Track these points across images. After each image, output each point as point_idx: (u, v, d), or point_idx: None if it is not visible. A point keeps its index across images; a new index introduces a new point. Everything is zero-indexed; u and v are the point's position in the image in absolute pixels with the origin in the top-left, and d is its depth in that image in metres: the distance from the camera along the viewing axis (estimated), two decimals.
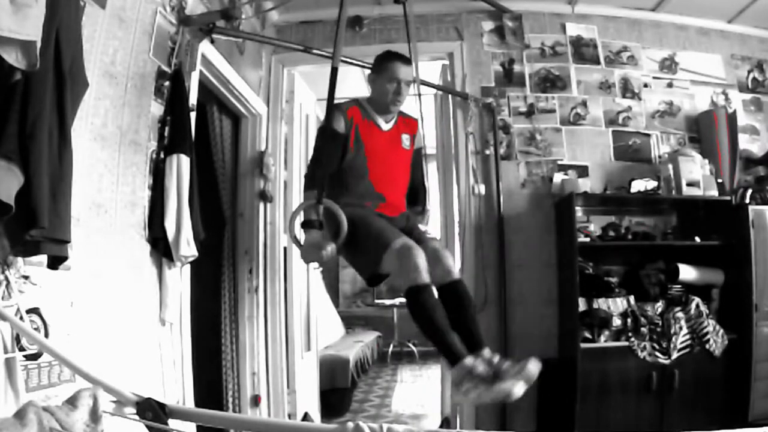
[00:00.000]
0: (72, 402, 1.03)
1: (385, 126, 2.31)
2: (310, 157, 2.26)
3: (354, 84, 4.64)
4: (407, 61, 2.24)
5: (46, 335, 1.43)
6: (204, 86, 2.69)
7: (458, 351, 1.73)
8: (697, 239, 3.10)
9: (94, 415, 1.03)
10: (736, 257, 3.02)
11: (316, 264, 2.29)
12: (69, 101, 1.34)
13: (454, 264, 2.04)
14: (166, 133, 2.10)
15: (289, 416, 3.22)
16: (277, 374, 3.23)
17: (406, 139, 2.36)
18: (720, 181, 3.21)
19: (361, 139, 2.22)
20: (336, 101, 2.08)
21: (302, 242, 2.06)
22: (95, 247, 1.70)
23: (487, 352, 1.75)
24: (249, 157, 3.28)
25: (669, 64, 3.60)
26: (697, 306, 3.02)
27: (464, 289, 1.98)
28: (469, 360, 1.69)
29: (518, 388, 1.55)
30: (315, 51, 2.99)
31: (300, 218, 2.08)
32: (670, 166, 3.18)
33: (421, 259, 1.85)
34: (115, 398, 1.12)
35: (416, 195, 2.46)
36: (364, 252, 2.01)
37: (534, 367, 1.60)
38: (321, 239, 1.99)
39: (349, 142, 2.20)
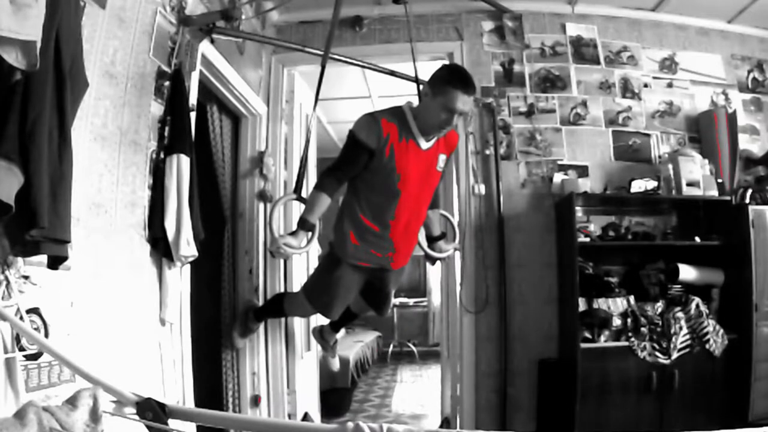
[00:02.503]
0: (72, 402, 1.03)
1: (425, 145, 2.17)
2: (335, 160, 2.21)
3: (354, 84, 4.66)
4: (471, 89, 2.02)
5: (46, 335, 1.43)
6: (204, 86, 2.69)
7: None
8: (697, 239, 3.10)
9: (94, 415, 1.03)
10: (736, 257, 3.02)
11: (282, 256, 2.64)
12: (69, 101, 1.34)
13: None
14: (166, 133, 2.10)
15: (289, 416, 3.22)
16: (277, 374, 3.23)
17: (441, 160, 2.25)
18: (720, 181, 3.21)
19: (395, 164, 2.11)
20: (374, 111, 2.21)
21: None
22: (95, 247, 1.70)
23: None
24: (249, 157, 3.28)
25: (669, 64, 3.60)
26: (697, 306, 3.02)
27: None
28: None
29: None
30: (314, 51, 2.98)
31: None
32: (670, 166, 3.18)
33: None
34: (115, 398, 1.12)
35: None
36: (316, 281, 2.51)
37: None
38: (290, 237, 2.16)
39: (375, 156, 2.10)
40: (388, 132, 2.08)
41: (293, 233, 2.18)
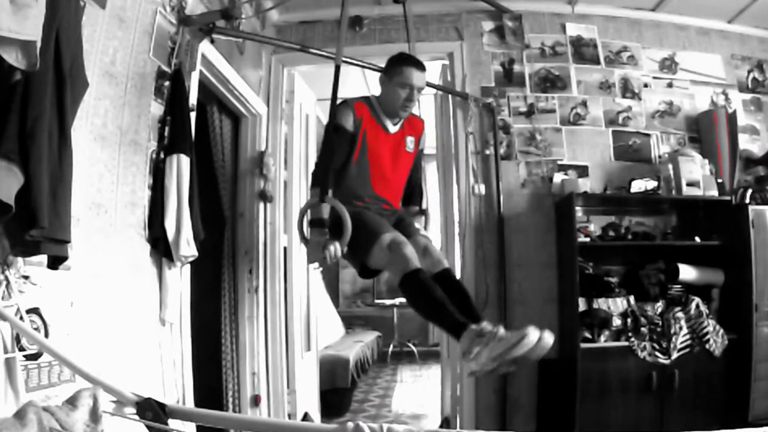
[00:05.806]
0: (72, 402, 1.03)
1: (392, 129, 2.29)
2: (318, 153, 2.23)
3: (354, 84, 4.66)
4: (421, 66, 2.19)
5: (46, 335, 1.43)
6: (204, 86, 2.69)
7: (462, 320, 1.73)
8: (697, 239, 3.10)
9: (94, 415, 1.03)
10: (736, 257, 3.02)
11: (316, 264, 2.27)
12: (69, 101, 1.34)
13: (443, 255, 2.14)
14: (166, 133, 2.10)
15: (289, 416, 3.22)
16: (277, 374, 3.23)
17: (410, 141, 2.35)
18: (720, 181, 3.21)
19: (367, 143, 2.21)
20: (346, 98, 2.21)
21: (309, 241, 2.09)
22: (95, 247, 1.70)
23: (487, 324, 1.71)
24: (249, 157, 3.28)
25: (669, 64, 3.60)
26: (697, 306, 3.02)
27: (454, 274, 2.11)
28: (474, 325, 1.68)
29: (533, 335, 1.64)
30: (314, 51, 2.99)
31: (307, 217, 2.14)
32: (670, 166, 3.18)
33: (409, 249, 1.92)
34: (115, 398, 1.12)
35: (412, 195, 2.47)
36: (354, 243, 2.02)
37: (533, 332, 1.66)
38: (326, 239, 2.03)
39: (356, 141, 2.18)
40: (361, 114, 2.19)
41: (326, 235, 2.05)
